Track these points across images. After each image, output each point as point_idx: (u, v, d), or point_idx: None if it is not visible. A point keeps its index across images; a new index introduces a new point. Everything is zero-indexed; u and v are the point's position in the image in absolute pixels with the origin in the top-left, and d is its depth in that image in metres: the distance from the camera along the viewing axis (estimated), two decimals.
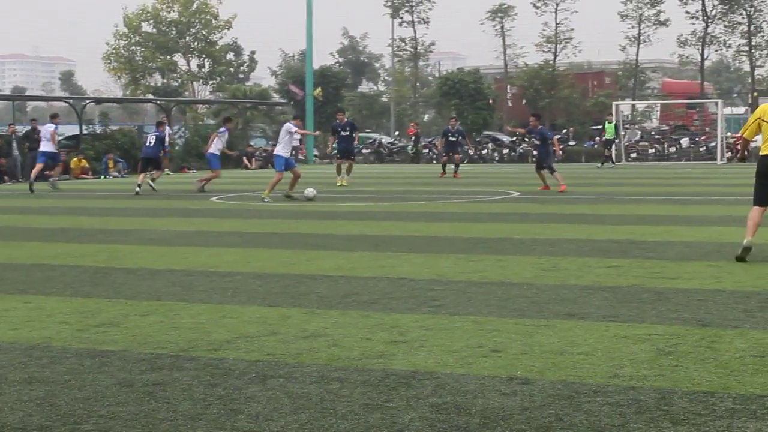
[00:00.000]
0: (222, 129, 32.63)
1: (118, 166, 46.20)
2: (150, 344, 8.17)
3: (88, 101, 60.65)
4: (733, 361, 7.21)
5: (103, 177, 44.61)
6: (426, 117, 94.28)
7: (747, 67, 76.32)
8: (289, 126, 26.88)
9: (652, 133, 61.00)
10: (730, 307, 9.34)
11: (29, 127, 43.43)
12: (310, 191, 25.61)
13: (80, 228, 19.06)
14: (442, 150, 41.25)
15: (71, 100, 63.28)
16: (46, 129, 34.36)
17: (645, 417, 5.89)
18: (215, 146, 31.77)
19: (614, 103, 57.46)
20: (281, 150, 26.51)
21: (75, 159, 44.41)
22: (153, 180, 31.59)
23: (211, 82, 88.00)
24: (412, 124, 68.42)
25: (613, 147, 49.82)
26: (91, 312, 9.77)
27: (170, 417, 6.09)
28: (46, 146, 33.64)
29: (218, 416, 6.08)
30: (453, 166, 39.23)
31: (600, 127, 64.29)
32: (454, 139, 39.99)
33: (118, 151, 47.68)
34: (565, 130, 64.56)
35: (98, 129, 51.44)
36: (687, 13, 71.21)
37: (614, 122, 49.98)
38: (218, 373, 7.13)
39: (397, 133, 73.95)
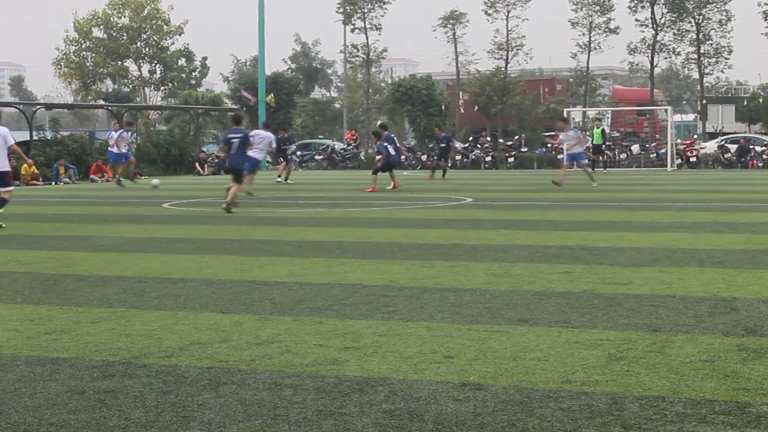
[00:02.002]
0: (122, 131, 40.19)
1: (69, 172, 45.86)
2: (101, 351, 8.12)
3: (38, 107, 60.12)
4: (683, 366, 7.27)
5: (53, 183, 44.25)
6: (378, 123, 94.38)
7: (696, 75, 76.98)
8: (271, 137, 30.07)
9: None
10: (680, 312, 9.42)
11: None
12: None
13: (30, 234, 18.89)
14: (435, 155, 46.20)
15: (21, 106, 62.71)
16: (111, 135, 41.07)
17: (597, 422, 5.93)
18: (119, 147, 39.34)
19: (565, 109, 57.80)
20: (258, 154, 27.94)
21: (25, 165, 44.00)
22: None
23: (162, 87, 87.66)
24: (348, 132, 68.74)
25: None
26: (41, 319, 9.69)
27: (122, 424, 6.05)
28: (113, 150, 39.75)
29: (171, 423, 6.06)
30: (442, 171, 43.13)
31: (552, 133, 64.78)
32: (444, 145, 45.00)
33: (69, 157, 47.35)
34: (517, 137, 64.84)
35: (49, 135, 51.04)
36: (637, 20, 71.77)
37: (602, 128, 50.48)
38: (171, 380, 7.09)
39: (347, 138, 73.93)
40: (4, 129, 20.54)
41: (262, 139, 30.78)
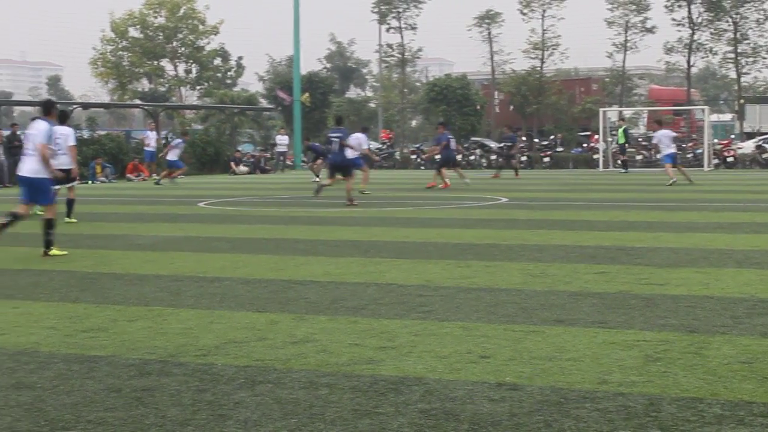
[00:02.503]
0: (179, 140, 41.52)
1: (105, 171, 46.07)
2: (138, 350, 8.16)
3: (75, 106, 60.49)
4: (721, 367, 7.22)
5: (90, 182, 44.49)
6: (414, 123, 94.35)
7: (733, 74, 76.41)
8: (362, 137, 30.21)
9: (639, 139, 61.11)
10: (718, 313, 9.36)
11: (9, 132, 43.33)
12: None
13: (68, 233, 19.00)
14: (502, 155, 45.78)
15: (58, 105, 63.11)
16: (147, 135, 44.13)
17: (633, 423, 5.90)
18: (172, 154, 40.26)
19: (601, 109, 57.53)
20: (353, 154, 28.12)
21: None
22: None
23: (198, 87, 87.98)
24: (384, 131, 68.73)
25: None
26: (79, 317, 9.75)
27: (159, 423, 6.08)
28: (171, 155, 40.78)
29: (207, 422, 6.08)
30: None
31: (587, 133, 64.50)
32: (510, 144, 44.44)
33: (105, 156, 47.57)
34: (552, 137, 64.64)
35: (86, 134, 51.33)
36: (673, 20, 71.35)
37: (624, 127, 50.32)
38: (207, 379, 7.12)
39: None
40: (70, 129, 21.34)
41: (356, 140, 31.23)
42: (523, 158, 57.90)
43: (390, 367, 7.38)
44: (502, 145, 46.00)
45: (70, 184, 21.41)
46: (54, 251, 15.36)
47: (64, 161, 20.96)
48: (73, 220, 21.44)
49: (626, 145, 50.74)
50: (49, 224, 15.50)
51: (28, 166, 15.63)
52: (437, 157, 35.04)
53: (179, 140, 42.22)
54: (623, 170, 48.59)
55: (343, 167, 26.45)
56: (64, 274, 13.03)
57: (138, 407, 6.43)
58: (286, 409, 6.32)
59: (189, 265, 13.67)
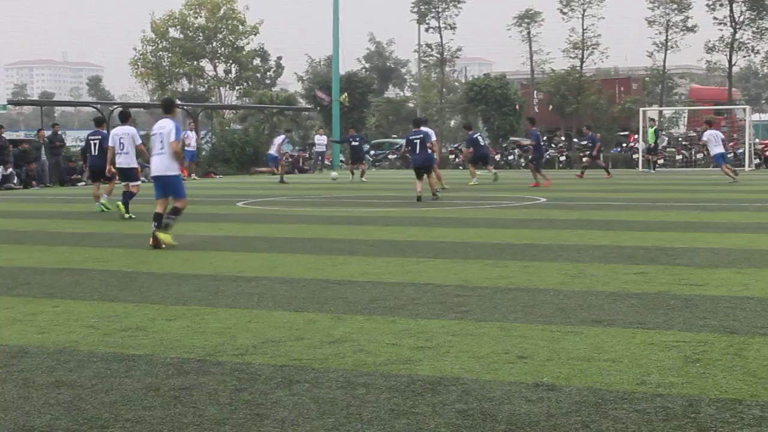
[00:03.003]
0: (282, 136, 44.11)
1: (144, 171, 46.26)
2: (176, 348, 8.20)
3: (115, 107, 60.86)
4: (761, 368, 7.17)
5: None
6: (452, 123, 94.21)
7: None
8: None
9: (680, 139, 60.74)
10: (758, 314, 9.29)
11: (50, 132, 43.65)
12: (334, 174, 27.15)
13: (107, 232, 19.14)
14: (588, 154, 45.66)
15: (99, 106, 63.54)
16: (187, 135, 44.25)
17: (672, 424, 5.87)
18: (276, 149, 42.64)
19: (641, 109, 57.22)
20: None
21: None
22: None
23: (237, 87, 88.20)
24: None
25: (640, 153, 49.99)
26: (117, 316, 9.81)
27: (196, 421, 6.11)
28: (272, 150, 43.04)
29: (244, 421, 6.10)
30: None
31: (626, 132, 64.14)
32: (591, 144, 44.60)
33: (140, 156, 47.75)
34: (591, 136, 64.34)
35: None
36: (715, 19, 70.80)
37: (655, 127, 50.03)
38: (244, 378, 7.14)
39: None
40: (133, 129, 22.71)
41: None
42: (562, 158, 57.72)
43: (427, 367, 7.38)
44: (584, 142, 46.20)
45: (135, 183, 22.95)
46: (165, 236, 16.12)
47: (124, 160, 22.63)
48: (132, 215, 22.37)
49: (656, 145, 50.50)
50: (174, 210, 16.45)
51: (159, 164, 16.44)
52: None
53: (283, 136, 44.36)
54: (651, 171, 48.39)
55: (426, 167, 27.65)
56: (104, 273, 13.11)
57: (176, 406, 6.46)
58: (323, 409, 6.33)
59: (227, 265, 13.72)
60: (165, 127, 16.41)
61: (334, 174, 40.83)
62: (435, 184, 28.22)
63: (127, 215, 22.33)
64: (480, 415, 6.13)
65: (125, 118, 22.99)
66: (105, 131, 24.94)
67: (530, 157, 37.21)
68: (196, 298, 10.83)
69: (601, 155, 45.39)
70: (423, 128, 29.56)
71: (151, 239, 16.16)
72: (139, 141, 22.63)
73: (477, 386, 6.81)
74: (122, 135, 22.42)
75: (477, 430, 5.85)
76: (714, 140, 36.28)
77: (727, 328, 8.61)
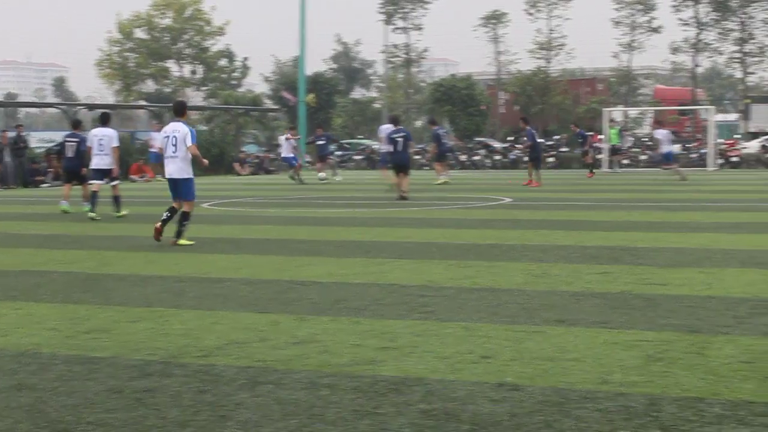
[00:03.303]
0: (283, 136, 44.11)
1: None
2: (140, 351, 8.17)
3: (80, 107, 60.47)
4: (722, 367, 7.22)
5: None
6: (418, 123, 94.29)
7: (739, 74, 76.29)
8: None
9: (644, 139, 61.03)
10: (720, 313, 9.35)
11: (14, 133, 43.37)
12: (338, 178, 27.59)
13: (71, 234, 19.04)
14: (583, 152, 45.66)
15: (64, 107, 63.16)
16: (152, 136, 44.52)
17: (634, 423, 5.90)
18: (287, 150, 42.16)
19: (605, 109, 57.47)
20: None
21: None
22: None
23: (203, 88, 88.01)
24: None
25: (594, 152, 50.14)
26: (81, 318, 9.76)
27: (159, 424, 6.09)
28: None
29: (207, 423, 6.08)
30: None
31: (591, 133, 64.40)
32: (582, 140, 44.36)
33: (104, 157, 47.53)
34: (557, 137, 64.59)
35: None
36: (680, 20, 71.27)
37: (618, 128, 50.14)
38: (208, 380, 7.12)
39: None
40: (113, 131, 23.32)
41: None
42: (526, 158, 57.86)
43: (391, 368, 7.39)
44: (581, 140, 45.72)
45: (113, 183, 23.18)
46: (183, 241, 16.60)
47: (105, 161, 22.94)
48: (124, 213, 23.02)
49: (618, 146, 50.70)
50: (184, 216, 16.81)
51: (172, 168, 16.89)
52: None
53: (283, 136, 44.71)
54: (617, 170, 48.55)
55: (404, 166, 28.17)
56: (67, 275, 13.04)
57: (139, 408, 6.44)
58: (286, 410, 6.32)
59: (192, 266, 13.68)
60: (178, 130, 16.68)
61: (321, 175, 40.59)
62: (403, 185, 28.27)
63: (92, 214, 22.53)
64: (444, 415, 6.15)
65: (106, 120, 23.43)
66: (83, 134, 25.21)
67: (527, 156, 37.24)
68: (160, 300, 10.80)
69: (591, 153, 45.49)
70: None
71: (157, 226, 16.74)
72: (116, 143, 23.09)
73: (441, 386, 6.82)
74: (101, 136, 22.83)
75: (441, 430, 5.86)
76: (665, 139, 36.89)
77: (689, 328, 8.66)
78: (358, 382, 7.00)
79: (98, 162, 23.00)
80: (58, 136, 52.30)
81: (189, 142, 16.51)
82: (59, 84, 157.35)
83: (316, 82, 73.33)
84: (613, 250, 14.55)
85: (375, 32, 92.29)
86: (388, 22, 78.37)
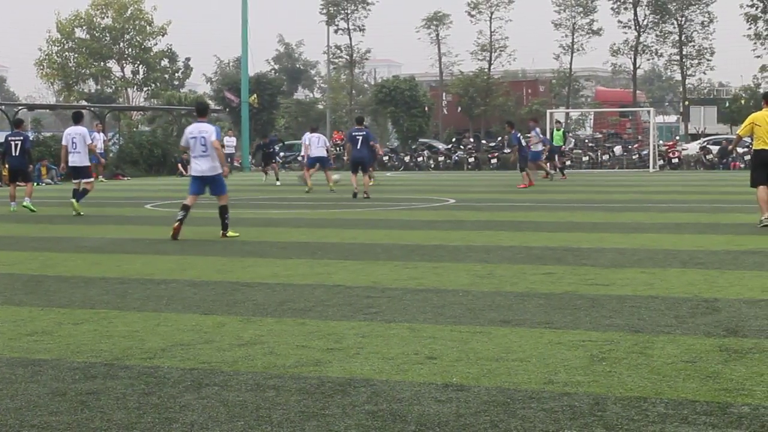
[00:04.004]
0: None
1: (51, 173, 45.68)
2: (83, 353, 8.10)
3: (20, 107, 59.90)
4: (665, 366, 7.29)
5: (36, 184, 44.07)
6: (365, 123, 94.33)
7: (678, 76, 77.24)
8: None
9: (586, 141, 61.52)
10: (662, 313, 9.45)
11: None
12: (336, 177, 27.85)
13: (12, 235, 18.84)
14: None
15: (3, 107, 62.49)
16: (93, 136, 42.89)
17: (579, 423, 5.94)
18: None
19: (548, 111, 57.86)
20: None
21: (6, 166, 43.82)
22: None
23: (145, 88, 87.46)
24: (336, 132, 68.77)
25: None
26: (23, 320, 9.66)
27: (104, 426, 6.04)
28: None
29: (153, 425, 6.05)
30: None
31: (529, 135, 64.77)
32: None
33: (51, 158, 47.12)
34: (500, 138, 64.91)
35: (31, 136, 50.83)
36: (619, 22, 71.98)
37: (562, 129, 50.29)
38: (153, 382, 7.08)
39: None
40: (85, 129, 24.12)
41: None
42: (471, 159, 58.10)
43: (337, 369, 7.38)
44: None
45: (87, 180, 24.19)
46: (230, 233, 17.54)
47: (77, 159, 23.81)
48: (82, 212, 23.39)
49: (563, 147, 50.84)
50: (224, 210, 17.68)
51: (205, 166, 17.59)
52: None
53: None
54: (555, 172, 48.66)
55: (364, 163, 29.29)
56: (8, 276, 12.90)
57: (83, 411, 6.38)
58: (232, 412, 6.30)
59: (136, 268, 13.59)
60: (205, 130, 17.52)
61: (336, 177, 38.50)
62: (369, 184, 29.30)
63: (79, 212, 23.23)
64: (390, 415, 6.16)
65: (78, 118, 24.71)
66: (27, 132, 25.68)
67: (517, 160, 36.75)
68: (103, 302, 10.72)
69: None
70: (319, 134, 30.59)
71: (173, 230, 17.39)
72: (89, 140, 23.93)
73: (387, 387, 6.83)
74: (75, 135, 23.60)
75: (387, 431, 5.87)
76: (537, 138, 37.62)
77: (633, 327, 8.74)
78: (304, 383, 6.99)
79: (74, 160, 23.81)
80: None
81: (213, 138, 17.41)
82: None
83: (259, 83, 73.05)
84: (557, 251, 14.65)
85: (317, 33, 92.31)
86: (330, 22, 78.36)
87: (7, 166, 27.18)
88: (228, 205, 17.85)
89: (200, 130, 17.54)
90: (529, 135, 37.98)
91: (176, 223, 17.39)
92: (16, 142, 24.98)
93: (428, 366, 7.44)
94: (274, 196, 31.46)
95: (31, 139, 47.34)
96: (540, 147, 37.65)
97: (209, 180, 17.71)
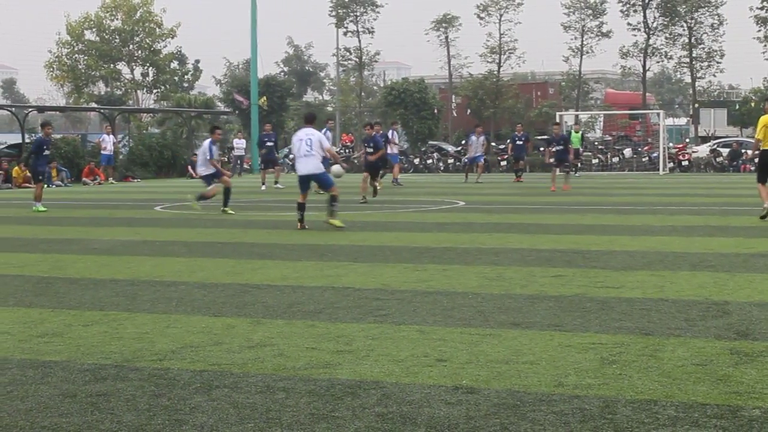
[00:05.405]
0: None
1: (61, 175, 45.70)
2: (93, 354, 8.11)
3: (30, 110, 59.99)
4: (675, 369, 7.28)
5: (46, 186, 44.10)
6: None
7: (688, 79, 77.01)
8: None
9: (596, 143, 61.42)
10: (672, 316, 9.43)
11: None
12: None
13: (23, 237, 18.87)
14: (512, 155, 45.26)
15: (13, 109, 62.63)
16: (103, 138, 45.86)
17: (589, 426, 5.93)
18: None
19: (558, 113, 57.79)
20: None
21: (17, 168, 43.94)
22: None
23: (155, 90, 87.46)
24: (345, 134, 68.68)
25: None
26: (33, 322, 9.68)
27: (114, 428, 6.05)
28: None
29: (163, 427, 6.05)
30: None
31: (546, 137, 64.71)
32: (521, 142, 43.64)
33: (61, 159, 47.19)
34: (509, 140, 64.88)
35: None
36: (629, 24, 71.79)
37: (581, 131, 50.18)
38: (163, 384, 7.09)
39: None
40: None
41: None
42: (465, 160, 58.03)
43: (347, 371, 7.38)
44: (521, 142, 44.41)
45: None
46: (336, 221, 19.35)
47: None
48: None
49: (581, 149, 50.82)
50: (333, 198, 19.66)
51: (310, 165, 19.35)
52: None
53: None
54: (575, 174, 48.48)
55: (378, 167, 30.37)
56: (19, 278, 12.92)
57: (93, 412, 6.39)
58: (242, 414, 6.31)
59: (145, 270, 13.61)
60: (312, 134, 19.42)
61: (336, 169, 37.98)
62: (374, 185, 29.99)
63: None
64: (399, 418, 6.15)
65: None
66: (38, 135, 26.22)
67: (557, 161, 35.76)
68: (113, 304, 10.73)
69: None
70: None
71: (299, 224, 19.19)
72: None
73: (396, 390, 6.83)
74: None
75: None
76: (475, 144, 39.86)
77: (643, 330, 8.73)
78: (313, 385, 6.99)
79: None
80: (9, 138, 51.90)
81: (326, 144, 19.56)
82: (9, 86, 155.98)
83: (269, 85, 73.14)
84: (567, 254, 14.63)
85: (327, 35, 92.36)
86: (339, 25, 78.37)
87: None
88: (337, 195, 19.69)
89: (307, 134, 19.42)
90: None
91: (299, 223, 19.16)
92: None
93: (438, 368, 7.43)
94: (283, 198, 31.46)
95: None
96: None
97: (314, 178, 19.59)
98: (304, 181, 19.64)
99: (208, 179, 24.43)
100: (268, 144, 39.94)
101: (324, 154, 19.54)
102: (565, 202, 27.11)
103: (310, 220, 21.54)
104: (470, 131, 44.14)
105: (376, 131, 33.40)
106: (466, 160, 42.77)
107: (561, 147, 34.41)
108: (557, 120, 44.72)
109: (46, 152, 27.24)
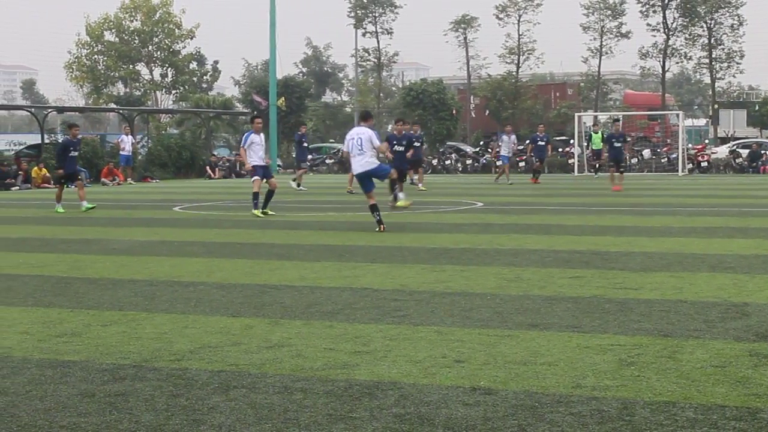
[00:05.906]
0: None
1: (80, 175, 45.82)
2: (112, 354, 8.13)
3: (50, 110, 60.24)
4: (694, 371, 7.26)
5: (65, 186, 44.22)
6: (389, 127, 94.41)
7: (707, 80, 76.86)
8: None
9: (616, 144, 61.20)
10: (691, 317, 9.40)
11: None
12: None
13: (42, 237, 18.94)
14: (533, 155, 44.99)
15: (33, 109, 62.86)
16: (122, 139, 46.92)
17: (607, 427, 5.92)
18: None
19: (576, 114, 57.72)
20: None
21: (36, 168, 44.11)
22: None
23: (174, 91, 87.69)
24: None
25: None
26: (52, 322, 9.71)
27: (133, 428, 6.06)
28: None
29: (181, 427, 6.06)
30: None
31: (564, 138, 64.63)
32: (542, 143, 43.49)
33: (80, 160, 47.27)
34: (528, 141, 64.80)
35: (60, 138, 51.09)
36: (648, 25, 71.64)
37: (600, 131, 50.08)
38: (181, 384, 7.10)
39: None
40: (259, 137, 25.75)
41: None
42: (499, 162, 57.93)
43: (365, 372, 7.39)
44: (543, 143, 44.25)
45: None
46: (401, 203, 21.22)
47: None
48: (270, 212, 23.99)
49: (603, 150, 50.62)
50: (393, 183, 21.42)
51: (364, 163, 19.49)
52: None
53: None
54: (595, 175, 48.32)
55: (405, 168, 29.86)
56: (38, 278, 12.97)
57: (111, 412, 6.41)
58: (260, 414, 6.31)
59: (164, 270, 13.64)
60: (364, 132, 19.62)
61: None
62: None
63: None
64: (417, 419, 6.15)
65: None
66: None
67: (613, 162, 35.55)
68: (132, 304, 10.75)
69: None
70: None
71: (379, 226, 18.97)
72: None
73: (414, 390, 6.83)
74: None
75: None
76: (506, 143, 41.29)
77: (661, 332, 8.71)
78: (331, 386, 6.99)
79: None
80: (29, 138, 52.05)
81: (377, 143, 19.60)
82: (28, 87, 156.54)
83: (287, 86, 73.23)
84: (585, 255, 14.60)
85: (345, 36, 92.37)
86: (358, 26, 78.46)
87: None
88: (396, 178, 21.16)
89: (357, 133, 19.74)
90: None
91: (378, 226, 18.94)
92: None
93: (456, 369, 7.43)
94: (300, 198, 31.50)
95: (60, 141, 47.77)
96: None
97: (372, 172, 19.63)
98: (363, 179, 19.68)
99: (260, 172, 24.21)
100: (305, 144, 40.57)
101: (374, 152, 19.63)
102: (584, 203, 27.06)
103: (325, 221, 21.57)
104: (500, 132, 44.20)
105: (414, 130, 33.85)
106: (503, 158, 42.63)
107: (619, 145, 34.73)
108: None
109: (73, 153, 27.25)
